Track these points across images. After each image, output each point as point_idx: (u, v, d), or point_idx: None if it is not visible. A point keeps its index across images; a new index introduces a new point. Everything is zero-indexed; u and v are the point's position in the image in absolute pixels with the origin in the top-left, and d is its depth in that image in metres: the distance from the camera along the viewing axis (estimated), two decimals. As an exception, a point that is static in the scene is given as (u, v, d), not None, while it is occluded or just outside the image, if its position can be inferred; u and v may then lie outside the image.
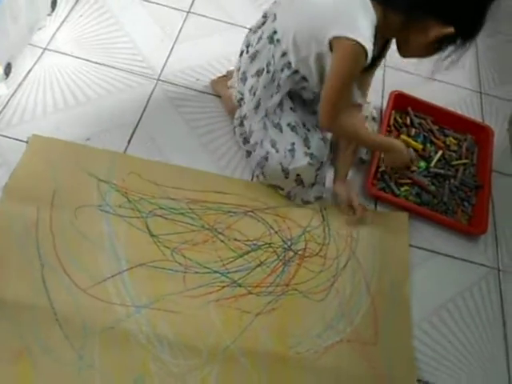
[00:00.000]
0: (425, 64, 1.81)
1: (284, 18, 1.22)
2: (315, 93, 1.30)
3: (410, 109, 1.60)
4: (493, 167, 1.55)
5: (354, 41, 1.06)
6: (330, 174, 1.40)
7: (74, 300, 1.08)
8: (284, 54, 1.23)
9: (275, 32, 1.23)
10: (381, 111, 1.62)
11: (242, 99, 1.36)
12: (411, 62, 1.73)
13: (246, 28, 1.69)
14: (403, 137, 1.53)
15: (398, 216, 1.38)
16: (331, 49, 1.11)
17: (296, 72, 1.24)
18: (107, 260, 1.15)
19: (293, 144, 1.28)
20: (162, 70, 1.55)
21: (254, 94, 1.30)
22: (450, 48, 1.13)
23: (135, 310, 1.10)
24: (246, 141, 1.37)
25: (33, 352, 1.01)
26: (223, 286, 1.17)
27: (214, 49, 1.64)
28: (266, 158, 1.29)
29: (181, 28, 1.67)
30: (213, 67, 1.59)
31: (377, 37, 1.11)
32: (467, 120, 1.64)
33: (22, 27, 1.40)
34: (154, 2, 1.72)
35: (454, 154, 1.55)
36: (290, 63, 1.23)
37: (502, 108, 1.78)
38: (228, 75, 1.52)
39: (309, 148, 1.29)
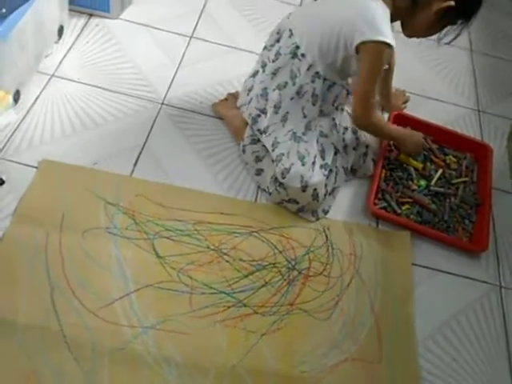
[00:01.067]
0: (423, 84, 1.86)
1: (305, 31, 1.29)
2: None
3: (409, 128, 1.63)
4: (493, 185, 1.56)
5: (380, 41, 1.18)
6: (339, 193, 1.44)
7: (82, 322, 1.10)
8: (310, 67, 1.28)
9: (297, 47, 1.29)
10: (381, 131, 1.65)
11: (259, 115, 1.39)
12: (410, 84, 1.79)
13: (247, 51, 1.74)
14: (403, 156, 1.55)
15: (400, 235, 1.40)
16: (357, 51, 1.22)
17: (326, 79, 1.31)
18: (115, 282, 1.17)
19: (315, 156, 1.32)
20: (166, 94, 1.58)
21: (277, 107, 1.34)
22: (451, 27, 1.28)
23: (142, 331, 1.11)
24: (258, 159, 1.40)
25: (42, 374, 1.02)
26: (229, 306, 1.18)
27: (216, 72, 1.68)
28: (289, 170, 1.31)
29: (184, 53, 1.71)
30: (216, 90, 1.62)
31: None
32: (466, 138, 1.67)
33: (30, 55, 1.44)
34: (157, 28, 1.77)
35: (454, 173, 1.57)
36: (317, 73, 1.29)
37: (501, 125, 1.80)
38: (229, 98, 1.56)
39: (324, 159, 1.34)
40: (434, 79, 1.91)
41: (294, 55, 1.30)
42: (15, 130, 1.39)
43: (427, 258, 1.39)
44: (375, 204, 1.44)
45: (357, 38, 1.20)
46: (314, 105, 1.34)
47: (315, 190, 1.31)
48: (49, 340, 1.06)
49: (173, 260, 1.22)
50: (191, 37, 1.77)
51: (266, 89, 1.37)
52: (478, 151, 1.64)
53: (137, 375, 1.06)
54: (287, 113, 1.34)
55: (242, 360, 1.11)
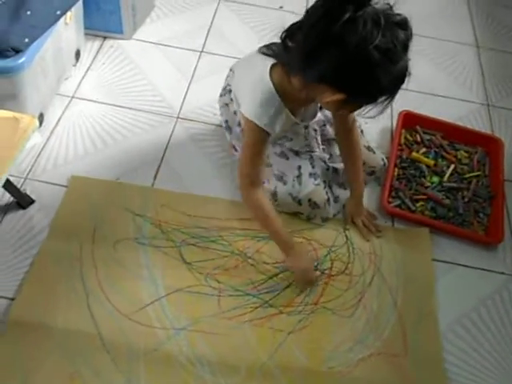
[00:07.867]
0: (430, 82, 1.87)
1: (234, 79, 1.33)
2: None
3: (418, 127, 1.66)
4: (505, 177, 1.58)
5: (252, 121, 1.14)
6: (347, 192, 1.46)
7: (118, 326, 1.16)
8: (235, 112, 1.34)
9: (230, 91, 1.35)
10: (391, 131, 1.68)
11: (233, 146, 1.44)
12: (416, 82, 1.82)
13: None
14: (415, 154, 1.59)
15: (419, 232, 1.42)
16: None
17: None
18: (146, 288, 1.22)
19: (299, 168, 1.35)
20: (180, 109, 1.63)
21: (240, 140, 1.38)
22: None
23: (175, 333, 1.16)
24: None
25: (84, 375, 1.08)
26: (256, 307, 1.23)
27: (227, 84, 1.73)
28: (276, 193, 1.35)
29: (195, 67, 1.77)
30: (228, 102, 1.68)
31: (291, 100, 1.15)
32: (476, 133, 1.69)
33: (51, 80, 1.51)
34: (168, 46, 1.82)
35: (465, 167, 1.59)
36: (239, 122, 1.33)
37: (511, 118, 1.82)
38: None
39: (313, 167, 1.35)
40: (440, 76, 1.93)
41: (231, 97, 1.35)
42: (41, 151, 1.46)
43: (444, 253, 1.41)
44: (389, 202, 1.47)
45: (241, 106, 1.21)
46: None
47: (310, 200, 1.34)
48: (87, 343, 1.13)
49: (200, 265, 1.27)
50: (201, 51, 1.83)
51: (227, 122, 1.41)
52: (489, 145, 1.66)
53: (172, 374, 1.11)
54: None
55: (271, 357, 1.16)
